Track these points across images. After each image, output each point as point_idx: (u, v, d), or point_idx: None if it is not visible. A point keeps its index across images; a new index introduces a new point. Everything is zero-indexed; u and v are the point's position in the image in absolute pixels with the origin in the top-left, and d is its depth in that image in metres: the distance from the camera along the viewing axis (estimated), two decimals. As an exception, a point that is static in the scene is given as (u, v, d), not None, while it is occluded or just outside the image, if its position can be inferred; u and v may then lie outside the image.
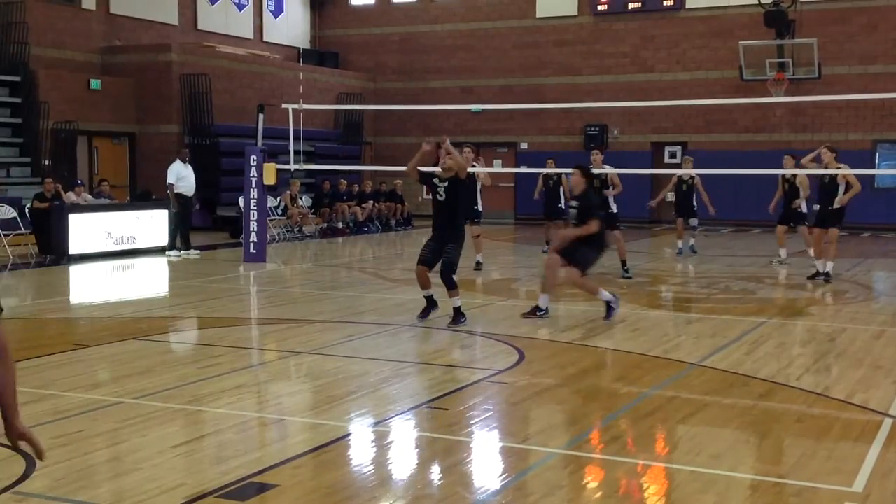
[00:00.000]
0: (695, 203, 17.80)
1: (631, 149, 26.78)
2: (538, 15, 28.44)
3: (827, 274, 13.86)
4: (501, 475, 5.54)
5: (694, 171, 17.67)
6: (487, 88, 28.70)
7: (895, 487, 5.23)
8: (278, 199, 21.90)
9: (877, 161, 25.04)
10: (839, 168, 13.65)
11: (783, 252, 16.24)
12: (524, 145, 28.45)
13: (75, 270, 15.54)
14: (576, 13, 28.01)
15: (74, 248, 16.46)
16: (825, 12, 25.29)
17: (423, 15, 29.92)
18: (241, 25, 27.89)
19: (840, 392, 7.35)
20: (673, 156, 26.74)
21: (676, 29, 27.00)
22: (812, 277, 13.99)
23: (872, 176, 23.89)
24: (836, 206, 13.63)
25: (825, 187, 13.85)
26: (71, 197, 17.53)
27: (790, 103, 24.17)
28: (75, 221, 16.61)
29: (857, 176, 13.79)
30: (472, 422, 6.59)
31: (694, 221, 17.96)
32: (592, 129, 27.50)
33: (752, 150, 25.14)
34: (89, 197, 18.31)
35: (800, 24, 25.05)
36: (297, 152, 16.01)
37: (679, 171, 18.08)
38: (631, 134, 27.25)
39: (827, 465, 5.59)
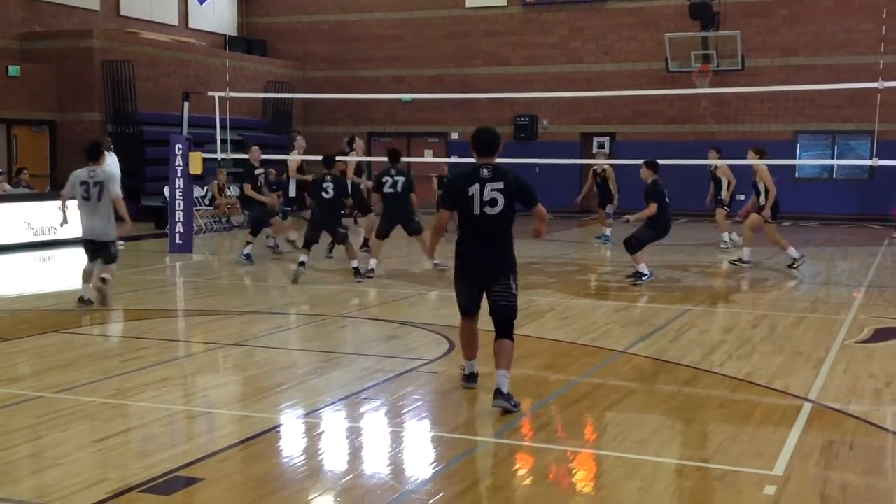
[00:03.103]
0: (613, 192, 18.22)
1: (560, 139, 27.01)
2: (468, 5, 28.48)
3: (740, 259, 14.70)
4: (432, 464, 5.55)
5: (606, 163, 18.26)
6: (418, 78, 28.65)
7: (814, 470, 5.37)
8: (205, 188, 21.58)
9: (798, 151, 25.67)
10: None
11: (725, 236, 17.22)
12: (455, 135, 28.47)
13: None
14: (505, 3, 28.11)
15: (-7, 238, 16.01)
16: (748, 5, 25.81)
17: (353, 3, 29.72)
18: (166, 11, 27.36)
19: (761, 378, 7.52)
20: (601, 146, 27.04)
21: (604, 20, 27.28)
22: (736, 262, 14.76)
23: (793, 166, 24.52)
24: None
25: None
26: (-11, 186, 17.04)
27: (715, 95, 24.62)
28: (-6, 211, 16.16)
29: (775, 167, 14.37)
30: (402, 411, 6.59)
31: (609, 209, 18.36)
32: (522, 119, 27.66)
33: (678, 140, 25.55)
34: (8, 187, 17.81)
35: (724, 16, 25.55)
36: (224, 141, 15.78)
37: (593, 162, 18.56)
38: (560, 124, 27.47)
39: (749, 449, 5.72)
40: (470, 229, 6.63)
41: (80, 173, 10.45)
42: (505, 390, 6.47)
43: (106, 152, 17.28)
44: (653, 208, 12.72)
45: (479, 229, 6.58)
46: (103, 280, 10.47)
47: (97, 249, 10.56)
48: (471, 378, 7.16)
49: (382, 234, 13.31)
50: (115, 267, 10.82)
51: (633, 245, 12.84)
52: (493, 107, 27.80)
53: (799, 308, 11.11)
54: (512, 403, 6.48)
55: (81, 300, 10.56)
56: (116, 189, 10.47)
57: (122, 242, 17.30)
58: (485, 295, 6.77)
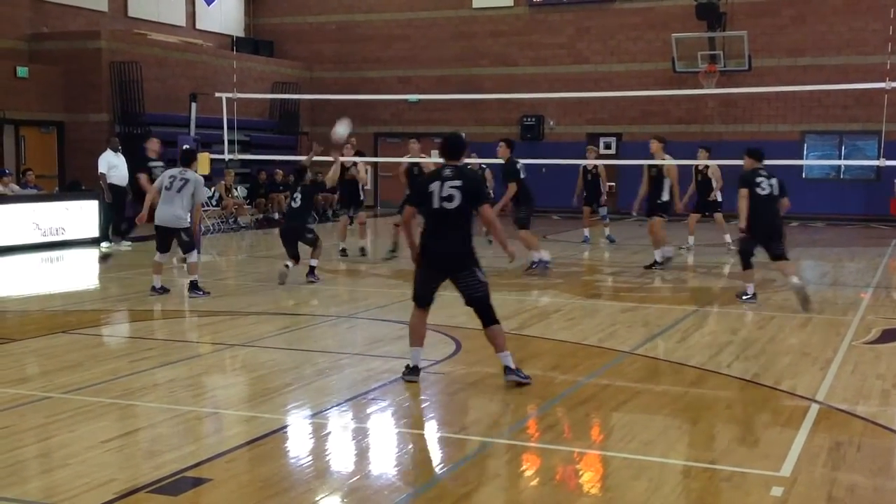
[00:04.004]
0: (603, 192, 18.29)
1: (567, 140, 26.99)
2: (475, 5, 28.48)
3: (656, 262, 14.23)
4: (439, 465, 5.55)
5: (600, 162, 18.28)
6: (424, 78, 28.66)
7: (822, 472, 5.36)
8: (213, 189, 21.61)
9: (805, 152, 25.62)
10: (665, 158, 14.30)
11: (691, 239, 17.12)
12: (462, 136, 28.44)
13: (2, 263, 15.15)
14: (512, 4, 28.11)
15: (1, 239, 16.05)
16: (755, 5, 25.78)
17: (360, 4, 29.75)
18: (173, 12, 27.42)
19: (769, 379, 7.51)
20: (608, 147, 27.03)
21: (611, 21, 27.26)
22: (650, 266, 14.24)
23: (801, 166, 24.46)
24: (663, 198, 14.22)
25: (653, 180, 14.26)
26: (-3, 187, 17.09)
27: (721, 95, 24.59)
28: (2, 213, 16.21)
29: (782, 167, 14.19)
30: (409, 412, 6.59)
31: (603, 211, 18.40)
32: (529, 119, 27.65)
33: (686, 141, 25.47)
34: (16, 187, 17.86)
35: (730, 16, 25.53)
36: (231, 142, 15.80)
37: (584, 162, 18.44)
38: (566, 125, 27.46)
39: (756, 451, 5.72)
40: (430, 223, 7.21)
41: (172, 171, 11.50)
42: (512, 366, 7.09)
43: (114, 152, 17.50)
44: (512, 189, 12.91)
45: (437, 223, 7.15)
46: (191, 283, 11.43)
47: (167, 237, 11.39)
48: (413, 371, 7.34)
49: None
50: (196, 255, 11.60)
51: (522, 222, 13.14)
52: (500, 107, 27.81)
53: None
54: (522, 376, 7.07)
55: (154, 289, 11.48)
56: (202, 195, 11.46)
57: (129, 243, 17.43)
58: (456, 289, 7.30)
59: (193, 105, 22.86)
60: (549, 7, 27.83)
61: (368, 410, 6.65)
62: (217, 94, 17.03)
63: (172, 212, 11.23)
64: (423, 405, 6.83)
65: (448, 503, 4.85)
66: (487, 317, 7.17)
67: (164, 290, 11.50)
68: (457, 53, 28.62)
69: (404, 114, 28.88)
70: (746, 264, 11.07)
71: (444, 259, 7.18)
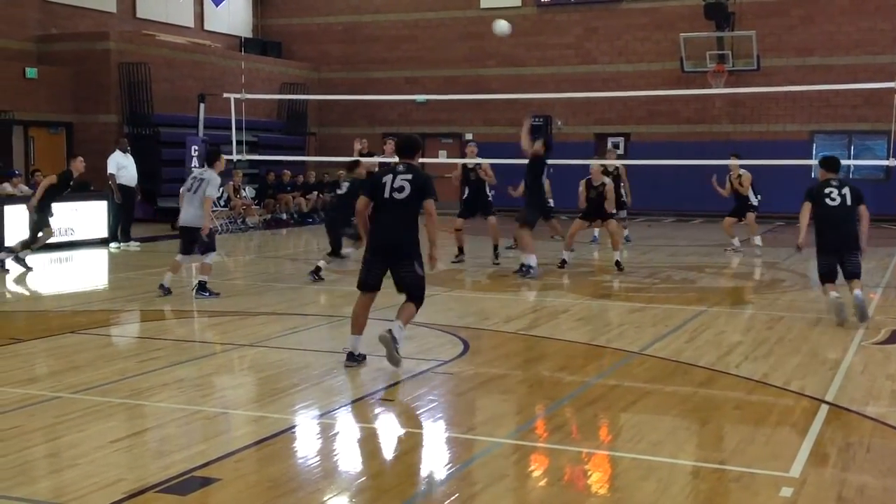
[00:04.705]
0: (623, 193, 18.18)
1: (575, 140, 26.95)
2: (482, 6, 28.46)
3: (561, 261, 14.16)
4: (447, 465, 5.55)
5: (619, 162, 18.20)
6: (432, 79, 28.66)
7: (831, 472, 5.35)
8: (221, 189, 21.63)
9: (814, 152, 25.54)
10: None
11: (736, 241, 16.85)
12: (469, 136, 28.43)
13: (12, 263, 15.18)
14: (519, 4, 28.09)
15: (10, 240, 16.07)
16: (763, 5, 25.72)
17: (367, 5, 29.76)
18: (181, 13, 27.47)
19: (778, 379, 7.49)
20: (616, 147, 26.98)
21: (619, 21, 27.23)
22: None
23: (810, 167, 24.37)
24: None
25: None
26: (7, 188, 17.13)
27: (730, 95, 24.54)
28: (11, 213, 16.24)
29: (791, 167, 14.21)
30: (417, 412, 6.59)
31: (622, 213, 18.30)
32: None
33: (694, 140, 25.47)
34: (26, 188, 17.90)
35: (739, 16, 25.48)
36: (239, 142, 15.83)
37: (604, 162, 18.37)
38: (574, 125, 27.42)
39: (765, 451, 5.70)
40: (380, 212, 7.69)
41: (195, 171, 11.87)
42: (398, 337, 7.53)
43: (123, 153, 17.55)
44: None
45: (387, 212, 7.63)
46: (199, 284, 11.50)
47: (189, 238, 11.55)
48: (353, 358, 7.72)
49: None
50: (215, 256, 11.76)
51: (524, 220, 13.30)
52: (508, 107, 27.76)
53: (816, 309, 11.04)
54: (395, 347, 7.49)
55: (161, 287, 11.52)
56: (211, 191, 11.46)
57: (138, 243, 17.47)
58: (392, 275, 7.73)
59: (202, 106, 22.90)
60: (556, 7, 27.80)
61: (376, 411, 6.66)
62: (225, 95, 17.07)
63: (191, 212, 11.45)
64: (431, 405, 6.82)
65: None
66: (414, 297, 7.74)
67: (167, 292, 11.47)
68: (464, 54, 28.61)
69: (412, 114, 28.87)
70: (825, 280, 9.99)
71: (389, 247, 7.67)
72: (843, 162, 25.05)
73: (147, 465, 5.34)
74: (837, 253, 9.94)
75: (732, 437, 6.05)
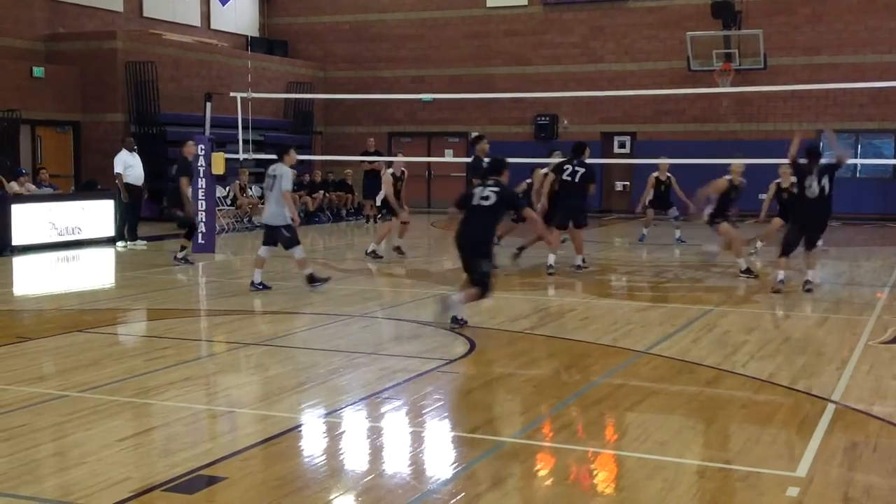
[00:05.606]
0: (672, 201, 18.20)
1: (581, 139, 26.89)
2: (488, 4, 28.45)
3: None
4: (452, 464, 5.55)
5: (669, 161, 18.03)
6: (438, 78, 28.66)
7: (838, 472, 5.34)
8: (227, 188, 21.67)
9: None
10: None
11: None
12: (475, 135, 28.43)
13: (19, 262, 15.25)
14: (526, 3, 28.07)
15: (18, 239, 16.15)
16: (770, 3, 25.66)
17: (373, 4, 29.76)
18: (188, 13, 27.50)
19: (784, 379, 7.48)
20: (622, 146, 26.96)
21: (625, 19, 27.19)
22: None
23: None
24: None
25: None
26: (14, 187, 17.18)
27: (737, 94, 24.50)
28: (18, 212, 16.30)
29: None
30: (423, 411, 6.60)
31: (673, 211, 18.28)
32: (543, 118, 27.61)
33: (700, 140, 25.43)
34: (32, 187, 17.96)
35: (745, 15, 25.43)
36: (245, 141, 15.83)
37: (659, 160, 18.34)
38: (581, 124, 27.40)
39: (771, 451, 5.69)
40: (467, 216, 9.44)
41: (269, 169, 11.97)
42: (452, 302, 9.24)
43: (130, 152, 17.58)
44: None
45: (471, 217, 9.40)
46: (307, 277, 11.79)
47: (271, 233, 11.79)
48: (455, 321, 9.28)
49: (559, 225, 13.63)
50: (300, 251, 11.84)
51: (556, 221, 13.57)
52: (514, 106, 27.78)
53: (822, 308, 11.04)
54: (447, 305, 9.19)
55: (253, 284, 11.81)
56: (286, 184, 11.64)
57: (144, 242, 17.51)
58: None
59: (208, 105, 22.83)
60: (563, 6, 27.78)
61: (383, 409, 6.66)
62: (232, 94, 17.10)
63: (270, 209, 11.73)
64: (437, 404, 6.83)
65: (462, 503, 4.85)
66: (475, 283, 9.25)
67: (263, 287, 11.70)
68: (470, 53, 28.60)
69: (418, 113, 28.89)
70: None
71: (464, 245, 9.33)
72: (850, 161, 25.05)
73: (154, 464, 5.36)
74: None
75: (738, 437, 6.04)
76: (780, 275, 11.74)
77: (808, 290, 11.72)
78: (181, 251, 14.66)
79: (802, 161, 11.92)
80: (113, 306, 11.19)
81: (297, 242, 11.79)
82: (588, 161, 13.91)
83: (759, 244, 16.08)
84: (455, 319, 9.26)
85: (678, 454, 5.61)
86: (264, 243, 11.94)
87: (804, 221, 11.82)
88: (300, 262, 11.82)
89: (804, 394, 7.03)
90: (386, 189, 15.36)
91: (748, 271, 13.18)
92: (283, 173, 11.66)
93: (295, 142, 26.98)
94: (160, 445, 5.75)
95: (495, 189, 9.31)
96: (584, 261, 13.92)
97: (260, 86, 25.30)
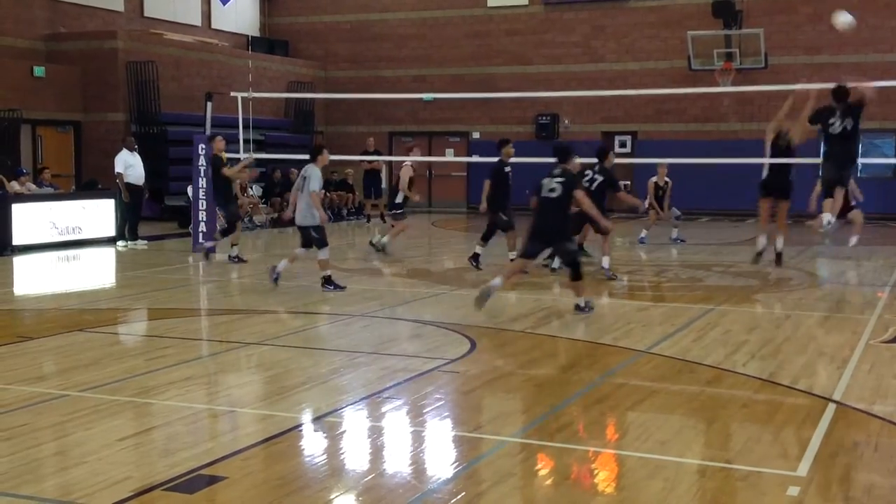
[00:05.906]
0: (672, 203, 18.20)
1: (582, 138, 26.91)
2: (489, 4, 28.44)
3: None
4: (453, 464, 5.55)
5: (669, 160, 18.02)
6: (439, 77, 28.65)
7: (839, 472, 5.33)
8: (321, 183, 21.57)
9: (821, 149, 25.44)
10: None
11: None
12: (476, 135, 28.46)
13: (19, 261, 15.25)
14: (527, 2, 28.06)
15: (18, 238, 16.16)
16: (771, 2, 25.65)
17: (374, 3, 29.76)
18: (189, 12, 27.51)
19: (785, 378, 7.47)
20: (623, 145, 26.95)
21: (626, 19, 27.18)
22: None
23: (818, 165, 24.27)
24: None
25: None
26: (14, 186, 17.18)
27: (737, 93, 24.47)
28: (19, 211, 16.31)
29: (800, 166, 14.03)
30: (424, 411, 6.60)
31: (675, 212, 18.26)
32: (544, 118, 27.60)
33: (701, 139, 25.42)
34: (33, 186, 17.96)
35: (746, 14, 25.42)
36: (246, 141, 15.83)
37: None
38: (582, 123, 27.40)
39: (772, 450, 5.69)
40: (540, 205, 10.09)
41: (302, 170, 12.08)
42: (582, 304, 10.15)
43: (130, 152, 17.58)
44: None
45: (544, 206, 10.04)
46: (324, 279, 11.86)
47: (305, 234, 11.95)
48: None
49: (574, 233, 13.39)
50: (325, 252, 11.88)
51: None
52: (515, 106, 27.76)
53: (823, 308, 11.03)
54: (586, 308, 10.18)
55: (272, 269, 12.04)
56: (315, 185, 11.71)
57: (145, 242, 17.51)
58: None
59: (209, 104, 22.85)
60: (564, 6, 27.77)
61: (383, 409, 6.66)
62: (232, 94, 17.09)
63: (301, 210, 11.81)
64: (438, 404, 6.83)
65: (462, 502, 4.85)
66: (568, 264, 10.23)
67: (277, 279, 11.89)
68: (471, 52, 28.60)
69: (419, 113, 28.88)
70: None
71: (543, 233, 10.02)
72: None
73: (154, 464, 5.36)
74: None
75: (739, 436, 6.04)
76: (828, 217, 11.31)
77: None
78: (232, 248, 14.83)
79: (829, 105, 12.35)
80: (113, 306, 11.19)
81: (325, 244, 11.87)
82: (611, 164, 13.66)
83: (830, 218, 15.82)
84: (578, 307, 10.08)
85: (679, 454, 5.60)
86: (301, 245, 12.07)
87: (833, 160, 12.14)
88: (322, 262, 11.84)
89: (805, 393, 7.02)
90: (404, 177, 15.70)
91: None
92: (313, 174, 11.72)
93: (295, 141, 27.17)
94: (160, 445, 5.75)
95: (560, 180, 9.85)
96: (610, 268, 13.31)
97: (261, 85, 25.29)
